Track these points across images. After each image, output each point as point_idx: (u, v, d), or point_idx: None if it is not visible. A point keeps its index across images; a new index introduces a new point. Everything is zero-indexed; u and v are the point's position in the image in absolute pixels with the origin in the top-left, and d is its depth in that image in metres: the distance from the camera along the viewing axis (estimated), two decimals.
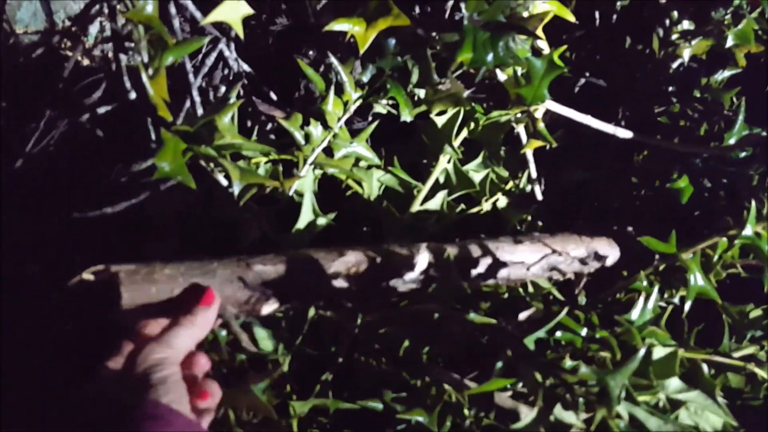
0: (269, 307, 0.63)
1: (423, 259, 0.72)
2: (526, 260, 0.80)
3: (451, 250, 0.74)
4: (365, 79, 0.77)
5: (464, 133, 0.91)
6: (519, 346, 0.64)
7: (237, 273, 0.59)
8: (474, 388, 0.63)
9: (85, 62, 0.91)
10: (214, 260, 0.60)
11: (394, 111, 0.81)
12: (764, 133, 0.91)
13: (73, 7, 0.87)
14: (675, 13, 0.92)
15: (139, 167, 0.78)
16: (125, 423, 0.47)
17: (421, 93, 0.81)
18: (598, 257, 0.88)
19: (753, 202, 0.76)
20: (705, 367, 0.71)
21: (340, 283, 0.68)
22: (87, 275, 0.54)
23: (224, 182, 0.72)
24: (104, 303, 0.55)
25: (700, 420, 0.71)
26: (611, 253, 0.91)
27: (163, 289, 0.56)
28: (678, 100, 1.00)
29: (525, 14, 0.79)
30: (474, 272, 0.77)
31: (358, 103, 0.77)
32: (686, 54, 0.93)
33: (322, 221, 0.76)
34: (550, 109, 0.87)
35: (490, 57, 0.71)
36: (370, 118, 0.92)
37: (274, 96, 0.92)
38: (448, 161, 0.90)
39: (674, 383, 0.68)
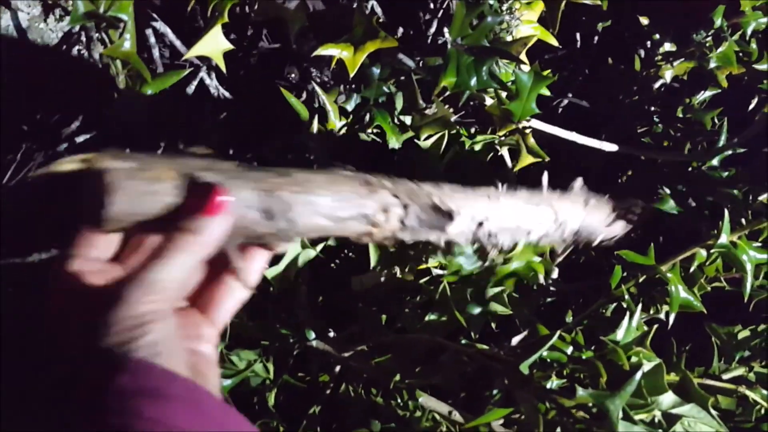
0: (284, 247, 0.48)
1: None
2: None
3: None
4: (350, 107, 0.76)
5: (449, 156, 0.90)
6: (515, 373, 0.63)
7: (263, 201, 0.44)
8: (473, 421, 0.62)
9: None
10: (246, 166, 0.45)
11: (378, 140, 0.80)
12: (741, 150, 0.92)
13: (50, 36, 0.85)
14: (657, 36, 0.93)
15: None
16: (106, 395, 0.36)
17: (407, 119, 0.80)
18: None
19: (726, 211, 0.75)
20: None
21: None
22: (68, 165, 0.39)
23: None
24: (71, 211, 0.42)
25: None
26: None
27: (171, 192, 0.41)
28: (660, 120, 1.00)
29: (509, 38, 0.79)
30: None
31: (342, 132, 0.76)
32: (668, 75, 0.94)
33: (310, 253, 0.75)
34: (535, 127, 0.87)
35: (473, 81, 0.71)
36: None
37: (255, 121, 0.91)
38: None
39: (668, 398, 0.67)
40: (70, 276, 0.42)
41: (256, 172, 0.44)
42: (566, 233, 0.65)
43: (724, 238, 0.72)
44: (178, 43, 0.79)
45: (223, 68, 0.61)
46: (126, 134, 0.80)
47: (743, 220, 0.75)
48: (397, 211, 0.50)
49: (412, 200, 0.52)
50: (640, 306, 0.70)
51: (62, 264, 0.42)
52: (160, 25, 0.77)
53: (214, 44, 0.61)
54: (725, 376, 0.81)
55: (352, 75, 0.68)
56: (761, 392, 0.75)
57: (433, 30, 0.82)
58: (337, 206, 0.47)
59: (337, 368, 0.78)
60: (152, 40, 0.77)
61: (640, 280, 0.75)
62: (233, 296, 0.46)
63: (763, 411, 0.76)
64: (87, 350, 0.38)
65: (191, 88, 0.80)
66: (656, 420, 0.63)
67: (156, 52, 0.78)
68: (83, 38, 0.81)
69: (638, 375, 0.59)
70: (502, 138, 0.84)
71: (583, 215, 0.66)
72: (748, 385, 0.77)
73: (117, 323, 0.38)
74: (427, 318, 0.72)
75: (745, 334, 0.86)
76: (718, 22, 0.86)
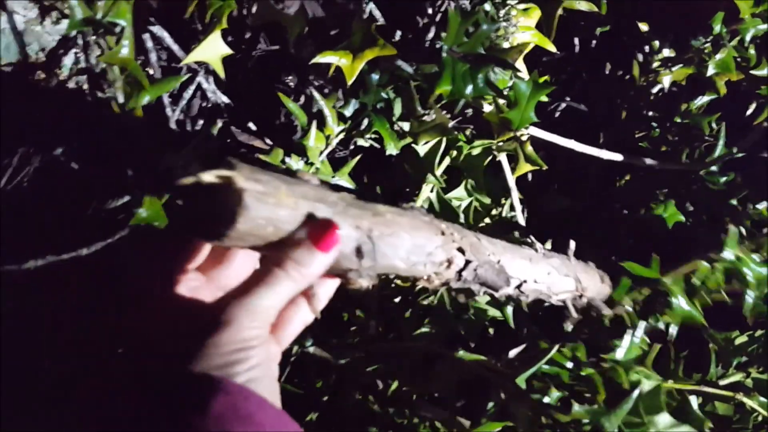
0: (363, 283, 0.49)
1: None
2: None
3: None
4: (348, 113, 0.76)
5: (447, 161, 0.90)
6: (511, 386, 0.63)
7: (358, 239, 0.45)
8: None
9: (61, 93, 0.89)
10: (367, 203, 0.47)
11: (377, 145, 0.80)
12: (740, 155, 0.92)
13: (47, 39, 0.84)
14: (655, 41, 0.92)
15: (116, 203, 0.76)
16: (198, 416, 0.36)
17: (405, 125, 0.80)
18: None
19: (731, 226, 0.76)
20: (694, 401, 0.70)
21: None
22: (208, 177, 0.39)
23: None
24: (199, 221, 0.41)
25: None
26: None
27: (287, 219, 0.41)
28: (658, 126, 1.00)
29: (505, 45, 0.78)
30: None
31: (340, 137, 0.76)
32: (666, 81, 0.93)
33: None
34: (532, 134, 0.87)
35: (469, 89, 0.71)
36: (352, 147, 0.91)
37: (253, 126, 0.91)
38: (431, 190, 0.90)
39: (664, 419, 0.67)
40: (170, 287, 0.43)
41: (355, 208, 0.46)
42: (583, 301, 0.73)
43: (728, 254, 0.72)
44: (175, 48, 0.79)
45: (222, 74, 0.61)
46: (123, 137, 0.80)
47: (742, 229, 0.74)
48: (459, 263, 0.53)
49: (475, 256, 0.54)
50: (642, 324, 0.70)
51: (166, 274, 0.43)
52: (157, 29, 0.77)
53: (213, 50, 0.61)
54: (722, 382, 0.81)
55: (350, 83, 0.68)
56: (759, 399, 0.75)
57: (431, 35, 0.82)
58: (413, 251, 0.49)
59: (335, 375, 0.78)
60: (149, 44, 0.76)
61: (642, 291, 0.75)
62: (300, 319, 0.47)
63: (760, 418, 0.76)
64: (187, 368, 0.38)
65: (188, 92, 0.80)
66: None
67: (153, 57, 0.77)
68: (80, 41, 0.80)
69: (635, 394, 0.59)
70: (500, 144, 0.84)
71: (600, 288, 0.75)
72: (745, 392, 0.77)
73: (224, 345, 0.39)
74: (424, 324, 0.72)
75: (742, 339, 0.86)
76: (717, 28, 0.86)
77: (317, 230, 0.42)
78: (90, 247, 0.73)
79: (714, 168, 0.89)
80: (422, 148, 0.87)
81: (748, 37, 0.85)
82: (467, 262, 0.54)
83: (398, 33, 0.90)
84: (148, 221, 0.54)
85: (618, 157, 0.91)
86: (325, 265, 0.43)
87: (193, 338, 0.39)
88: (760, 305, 0.73)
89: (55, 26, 0.85)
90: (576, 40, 1.03)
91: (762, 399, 0.76)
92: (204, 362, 0.38)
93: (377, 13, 0.83)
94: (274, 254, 0.42)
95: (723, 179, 0.93)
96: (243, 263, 0.45)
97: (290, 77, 0.97)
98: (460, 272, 0.54)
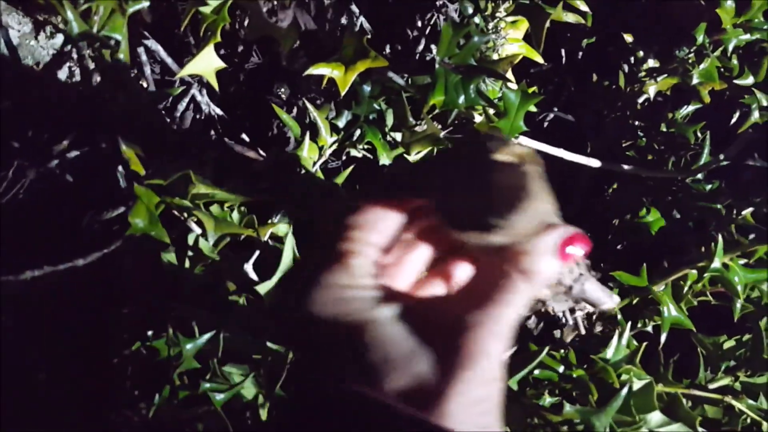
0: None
1: None
2: None
3: None
4: (340, 124, 0.77)
5: None
6: (504, 389, 0.64)
7: None
8: None
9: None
10: None
11: (369, 155, 0.81)
12: (724, 162, 0.94)
13: (41, 53, 0.85)
14: (640, 52, 0.94)
15: (111, 214, 0.77)
16: None
17: (397, 136, 0.81)
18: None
19: (720, 236, 0.77)
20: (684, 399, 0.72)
21: None
22: (501, 156, 0.33)
23: (198, 230, 0.71)
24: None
25: None
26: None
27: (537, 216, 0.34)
28: (644, 135, 1.02)
29: (495, 56, 0.80)
30: None
31: (333, 147, 0.77)
32: (652, 90, 0.95)
33: None
34: (521, 144, 0.88)
35: (461, 99, 0.72)
36: (344, 158, 0.93)
37: (246, 137, 0.92)
38: None
39: (656, 417, 0.68)
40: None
41: None
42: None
43: (717, 263, 0.74)
44: (169, 61, 0.80)
45: (216, 87, 0.62)
46: (117, 153, 0.81)
47: (726, 233, 0.76)
48: (574, 275, 0.49)
49: (587, 270, 0.50)
50: (629, 324, 0.71)
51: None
52: (151, 43, 0.78)
53: (207, 63, 0.62)
54: (711, 386, 0.82)
55: (343, 94, 0.69)
56: (747, 402, 0.76)
57: (421, 47, 0.83)
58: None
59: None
60: (143, 57, 0.77)
61: (634, 301, 0.76)
62: None
63: (749, 420, 0.77)
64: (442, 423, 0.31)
65: (182, 105, 0.81)
66: None
67: (147, 70, 0.78)
68: (74, 55, 0.81)
69: (624, 392, 0.60)
70: None
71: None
72: (734, 395, 0.78)
73: (476, 388, 0.32)
74: None
75: (730, 344, 0.87)
76: (700, 39, 0.87)
77: (567, 239, 0.35)
78: (86, 258, 0.74)
79: (699, 176, 0.91)
80: (414, 158, 0.88)
81: (730, 47, 0.87)
82: (579, 275, 0.50)
83: (388, 45, 0.92)
84: (144, 231, 0.55)
85: (605, 165, 0.93)
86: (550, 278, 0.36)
87: (427, 369, 0.32)
88: (748, 308, 0.75)
89: (49, 40, 0.86)
90: (563, 52, 1.05)
91: (750, 402, 0.77)
92: (458, 407, 0.31)
93: (367, 26, 0.85)
94: (508, 260, 0.34)
95: (708, 187, 0.95)
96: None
97: (282, 89, 0.98)
98: (570, 286, 0.50)
